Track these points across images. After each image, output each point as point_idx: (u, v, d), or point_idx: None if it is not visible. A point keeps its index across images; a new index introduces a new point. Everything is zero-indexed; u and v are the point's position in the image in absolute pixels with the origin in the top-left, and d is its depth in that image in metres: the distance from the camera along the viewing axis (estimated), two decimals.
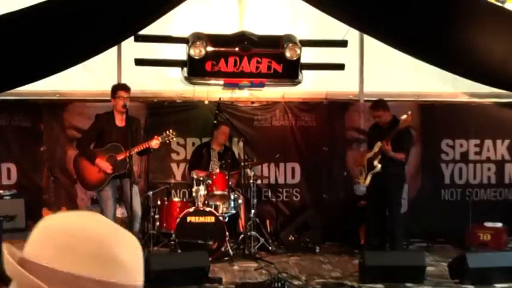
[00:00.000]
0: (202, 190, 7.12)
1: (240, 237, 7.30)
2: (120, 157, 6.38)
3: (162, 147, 7.90)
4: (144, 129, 7.41)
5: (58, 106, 8.05)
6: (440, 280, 6.15)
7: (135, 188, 6.53)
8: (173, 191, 7.96)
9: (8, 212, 7.36)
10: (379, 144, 6.94)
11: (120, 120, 6.52)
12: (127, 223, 6.81)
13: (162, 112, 8.08)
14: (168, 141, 6.68)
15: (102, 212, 6.43)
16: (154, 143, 6.44)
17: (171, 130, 6.60)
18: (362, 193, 7.71)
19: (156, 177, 7.89)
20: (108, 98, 7.72)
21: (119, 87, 6.51)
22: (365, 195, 7.49)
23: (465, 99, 8.58)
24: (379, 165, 6.95)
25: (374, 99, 8.17)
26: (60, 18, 6.26)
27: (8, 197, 7.61)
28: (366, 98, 8.35)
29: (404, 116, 6.77)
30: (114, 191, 6.48)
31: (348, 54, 8.16)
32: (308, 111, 8.42)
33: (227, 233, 6.89)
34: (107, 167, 6.34)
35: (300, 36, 7.79)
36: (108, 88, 7.67)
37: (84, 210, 8.01)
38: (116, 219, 7.08)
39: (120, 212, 7.68)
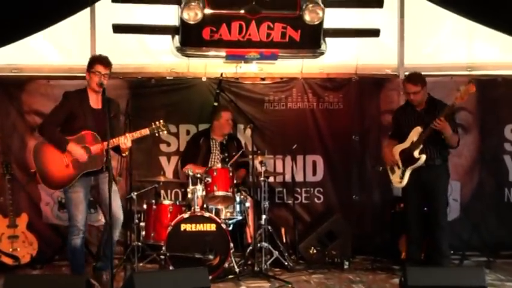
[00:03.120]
0: (199, 190, 7.10)
1: (248, 250, 7.26)
2: (96, 149, 6.21)
3: (148, 137, 7.79)
4: (126, 114, 7.28)
5: (15, 85, 7.97)
6: None
7: (114, 186, 6.31)
8: (163, 192, 7.96)
9: None
10: (418, 130, 6.91)
11: (95, 102, 6.38)
12: (103, 232, 6.69)
13: (148, 92, 8.02)
14: (157, 134, 6.49)
15: (70, 220, 6.24)
16: (123, 140, 6.20)
17: (161, 121, 6.43)
18: None
19: (141, 174, 7.81)
20: (79, 74, 7.70)
21: (97, 60, 6.42)
22: (403, 196, 7.36)
23: None
24: (424, 156, 6.89)
25: None
26: None
27: None
28: (407, 73, 8.04)
29: (462, 87, 6.66)
30: (86, 192, 6.33)
31: (385, 17, 8.13)
32: (333, 90, 8.38)
33: (231, 245, 6.89)
34: (82, 155, 6.19)
35: None
36: (79, 62, 7.73)
37: (49, 217, 7.96)
38: (89, 229, 6.93)
39: (96, 218, 7.55)
